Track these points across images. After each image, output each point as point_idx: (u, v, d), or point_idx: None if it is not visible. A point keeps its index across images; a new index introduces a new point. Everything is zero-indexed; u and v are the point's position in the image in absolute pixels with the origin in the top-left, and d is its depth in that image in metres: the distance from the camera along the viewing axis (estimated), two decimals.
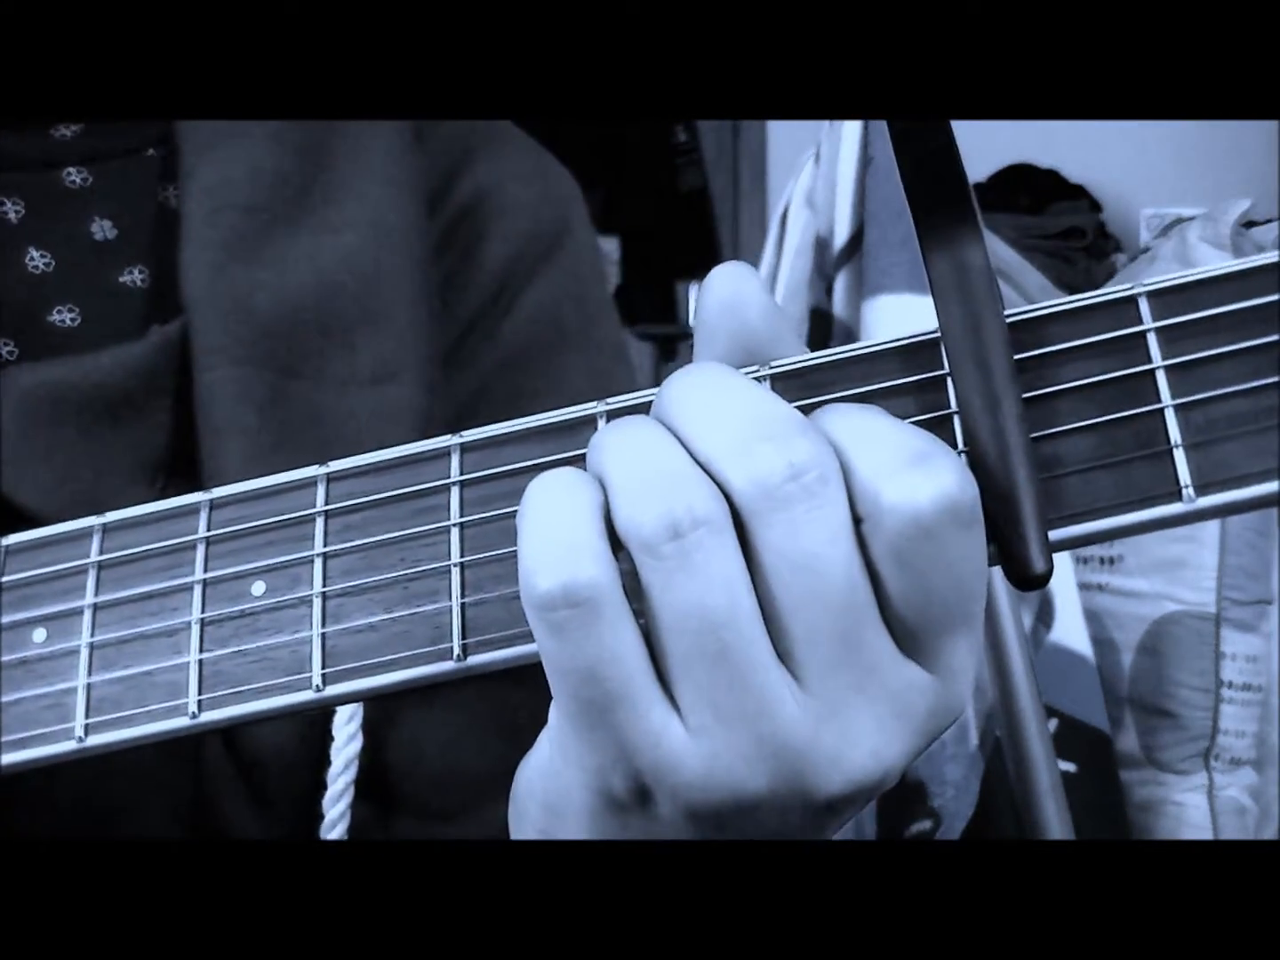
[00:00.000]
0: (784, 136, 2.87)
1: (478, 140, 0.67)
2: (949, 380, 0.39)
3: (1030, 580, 0.37)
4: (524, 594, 0.37)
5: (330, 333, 0.58)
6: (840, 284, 1.52)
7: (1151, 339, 0.38)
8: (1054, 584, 1.49)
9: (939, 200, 0.39)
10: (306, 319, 0.58)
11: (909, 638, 0.38)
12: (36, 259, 0.58)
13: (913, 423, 0.39)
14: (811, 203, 1.62)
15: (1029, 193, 2.64)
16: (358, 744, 0.55)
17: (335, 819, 0.55)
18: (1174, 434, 0.37)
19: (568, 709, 0.38)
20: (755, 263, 1.79)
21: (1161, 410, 0.38)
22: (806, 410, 0.39)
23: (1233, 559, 1.67)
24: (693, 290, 2.80)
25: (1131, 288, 0.39)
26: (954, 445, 0.39)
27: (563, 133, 0.72)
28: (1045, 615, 1.51)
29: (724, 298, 0.40)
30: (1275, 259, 0.38)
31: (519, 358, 0.64)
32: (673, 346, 3.07)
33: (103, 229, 0.59)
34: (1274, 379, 0.37)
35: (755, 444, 0.37)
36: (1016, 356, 0.39)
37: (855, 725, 0.38)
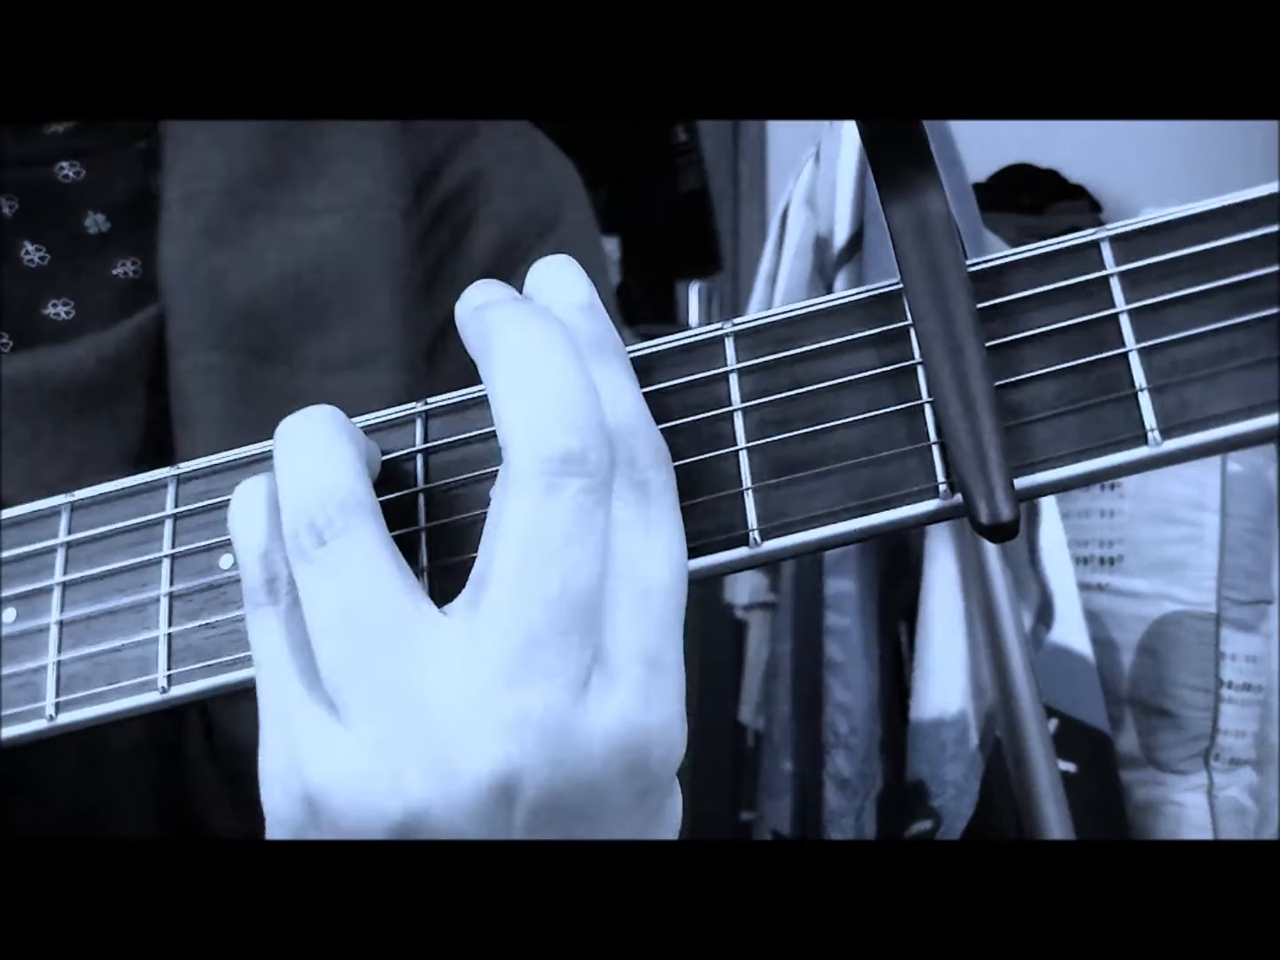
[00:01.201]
0: (784, 136, 2.86)
1: (468, 123, 0.66)
2: (912, 331, 0.39)
3: (997, 529, 0.37)
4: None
5: (307, 317, 0.58)
6: (840, 284, 1.51)
7: (1114, 284, 0.38)
8: (1054, 584, 1.49)
9: (896, 150, 0.39)
10: (281, 303, 0.58)
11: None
12: (32, 253, 0.58)
13: (876, 375, 0.39)
14: (811, 203, 1.62)
15: (1029, 193, 2.63)
16: None
17: None
18: (1138, 378, 0.37)
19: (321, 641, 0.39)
20: (755, 262, 1.79)
21: (1125, 354, 0.38)
22: (763, 372, 0.39)
23: (1233, 559, 1.66)
24: (693, 290, 2.79)
25: (1094, 233, 0.39)
26: (918, 396, 0.39)
27: (563, 132, 0.72)
28: (1045, 615, 1.51)
29: None
30: (1235, 200, 0.38)
31: None
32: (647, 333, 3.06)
33: (96, 222, 0.59)
34: (1237, 319, 0.37)
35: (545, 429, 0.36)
36: (979, 305, 0.38)
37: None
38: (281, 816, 0.38)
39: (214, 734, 0.55)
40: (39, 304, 0.58)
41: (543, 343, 0.37)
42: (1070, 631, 1.52)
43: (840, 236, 1.52)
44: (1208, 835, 1.66)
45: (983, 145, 1.80)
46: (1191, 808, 1.67)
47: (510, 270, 0.64)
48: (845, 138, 1.52)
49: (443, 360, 0.61)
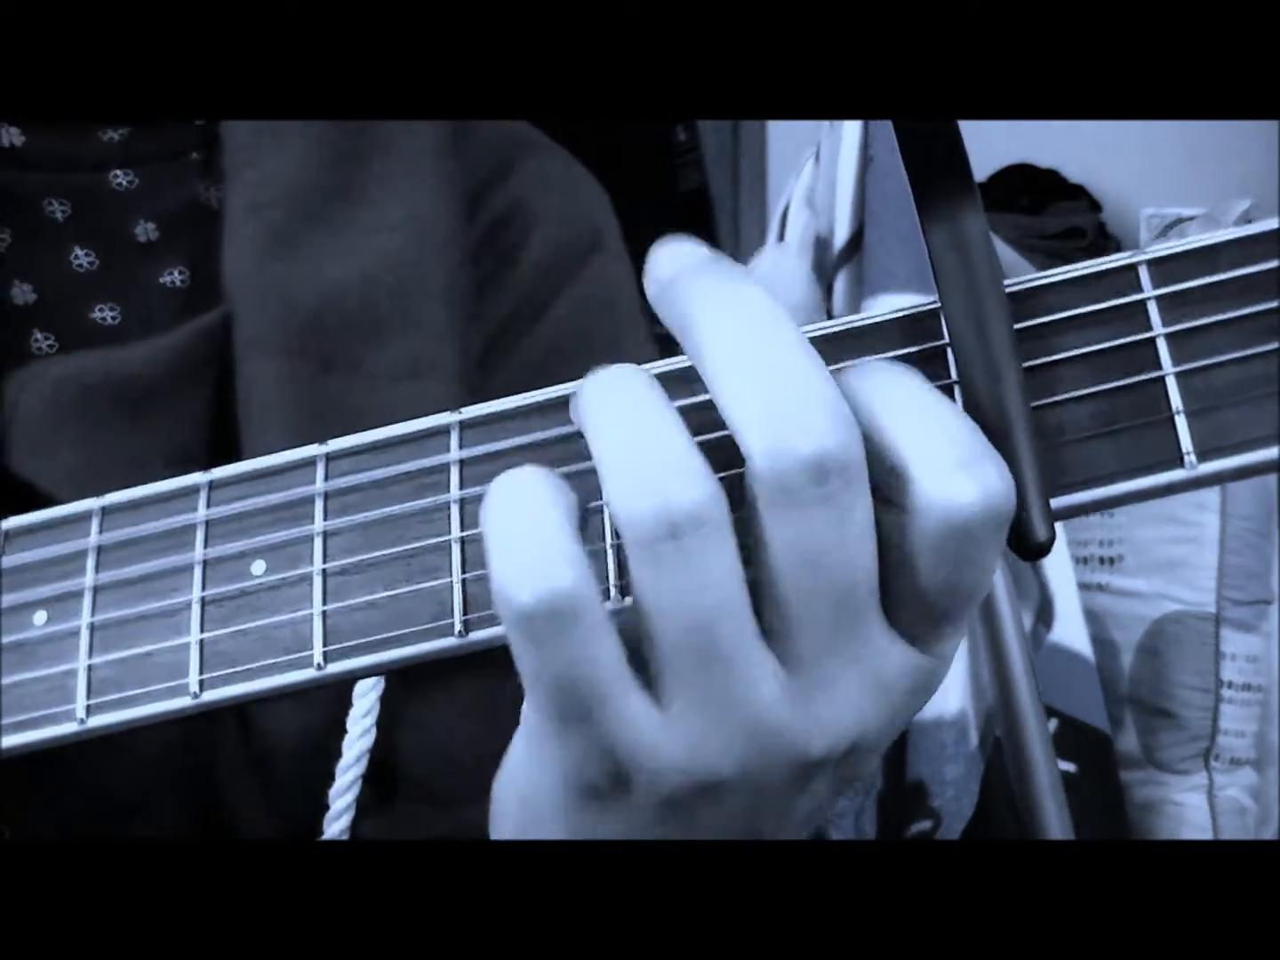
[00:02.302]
0: (784, 136, 2.86)
1: (513, 149, 0.68)
2: (949, 351, 0.39)
3: (1033, 549, 0.37)
4: (499, 607, 0.36)
5: (367, 329, 0.59)
6: (840, 284, 1.52)
7: (1152, 306, 0.38)
8: (1054, 584, 1.49)
9: (937, 170, 0.39)
10: (345, 314, 0.59)
11: (915, 623, 0.38)
12: (81, 257, 0.59)
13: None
14: (811, 203, 1.62)
15: (1029, 193, 2.63)
16: (370, 738, 0.55)
17: (340, 810, 0.55)
18: (1175, 401, 0.38)
19: (544, 710, 0.38)
20: None
21: (1162, 378, 0.38)
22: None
23: (1233, 559, 1.66)
24: None
25: (1132, 255, 0.39)
26: None
27: (563, 132, 0.73)
28: (1045, 615, 1.51)
29: (764, 277, 0.40)
30: (1275, 225, 0.38)
31: (546, 365, 0.65)
32: (673, 346, 3.07)
33: (146, 230, 0.60)
34: (1274, 345, 0.37)
35: (786, 428, 0.35)
36: (1016, 326, 0.38)
37: (838, 697, 0.38)
38: (593, 785, 0.38)
39: (250, 733, 0.55)
40: (86, 308, 0.59)
41: (759, 321, 0.36)
42: (1070, 631, 1.52)
43: (840, 236, 1.52)
44: (1208, 835, 1.66)
45: (983, 145, 1.79)
46: (1191, 808, 1.67)
47: (548, 295, 0.66)
48: (845, 138, 1.52)
49: (483, 378, 0.62)
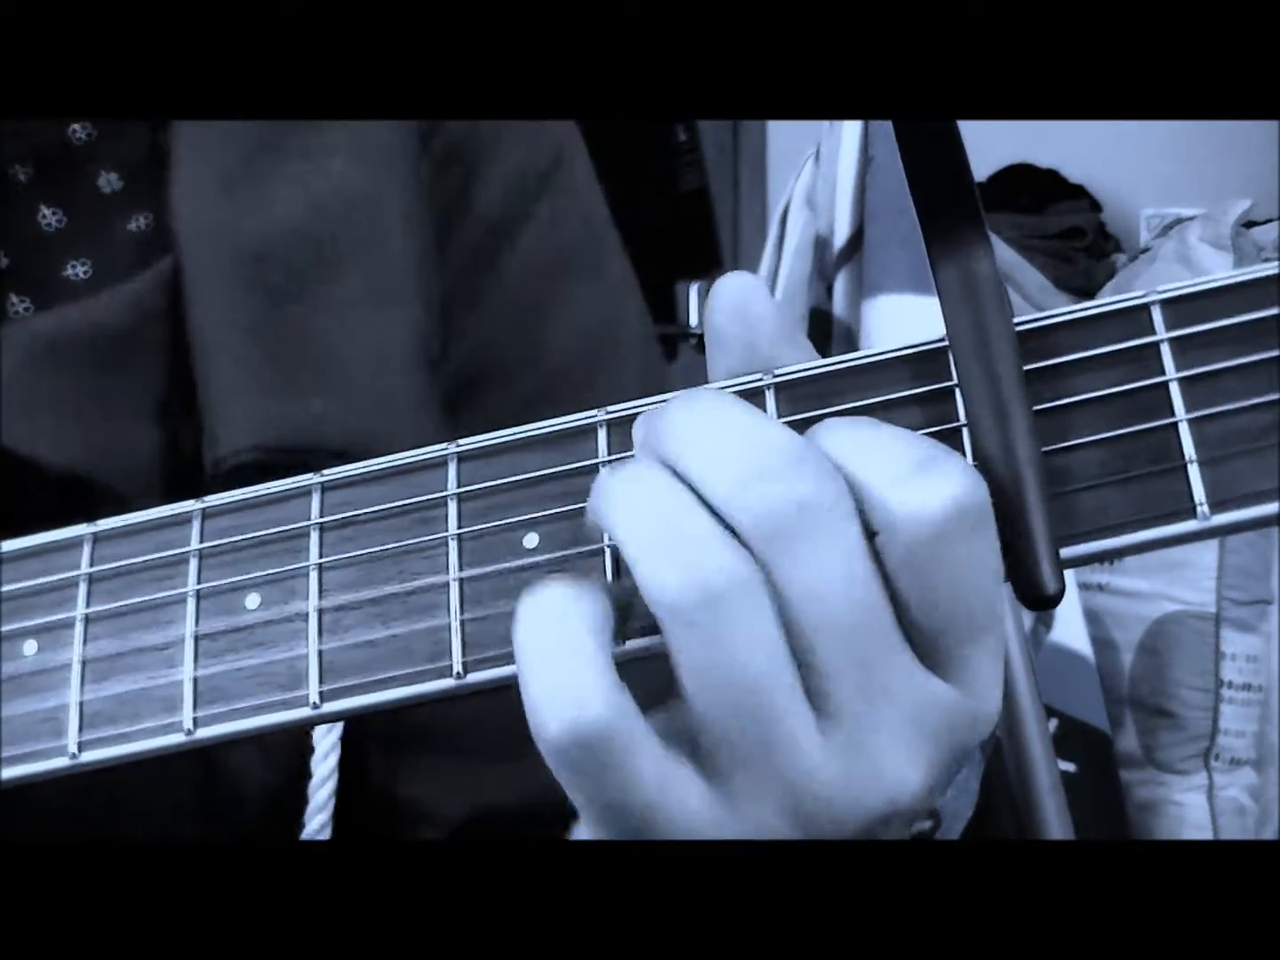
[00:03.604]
0: (784, 136, 2.87)
1: None
2: (957, 391, 0.38)
3: (1041, 600, 0.37)
4: (536, 737, 0.37)
5: (323, 257, 0.58)
6: (840, 284, 1.52)
7: (1165, 350, 0.37)
8: None
9: (946, 206, 0.39)
10: (296, 243, 0.58)
11: (930, 649, 0.37)
12: (49, 216, 0.59)
13: (922, 434, 0.38)
14: (811, 202, 1.62)
15: (1029, 193, 2.63)
16: (336, 755, 0.55)
17: (316, 831, 0.55)
18: (1188, 449, 0.37)
19: (605, 830, 0.38)
20: (755, 262, 1.79)
21: (1175, 424, 0.37)
22: (804, 426, 0.38)
23: (1233, 559, 1.67)
24: (693, 290, 2.79)
25: (1145, 295, 0.38)
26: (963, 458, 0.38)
27: None
28: (1045, 615, 1.51)
29: (734, 304, 0.40)
30: None
31: (528, 290, 0.64)
32: (673, 346, 3.06)
33: (109, 181, 0.59)
34: None
35: (759, 483, 0.36)
36: (1026, 367, 0.38)
37: (879, 752, 0.37)
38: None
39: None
40: (58, 266, 0.58)
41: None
42: (1070, 631, 1.52)
43: (840, 236, 1.52)
44: (1208, 835, 1.66)
45: (983, 145, 1.80)
46: (1191, 808, 1.67)
47: (518, 216, 0.64)
48: (845, 138, 1.52)
49: (464, 312, 0.62)
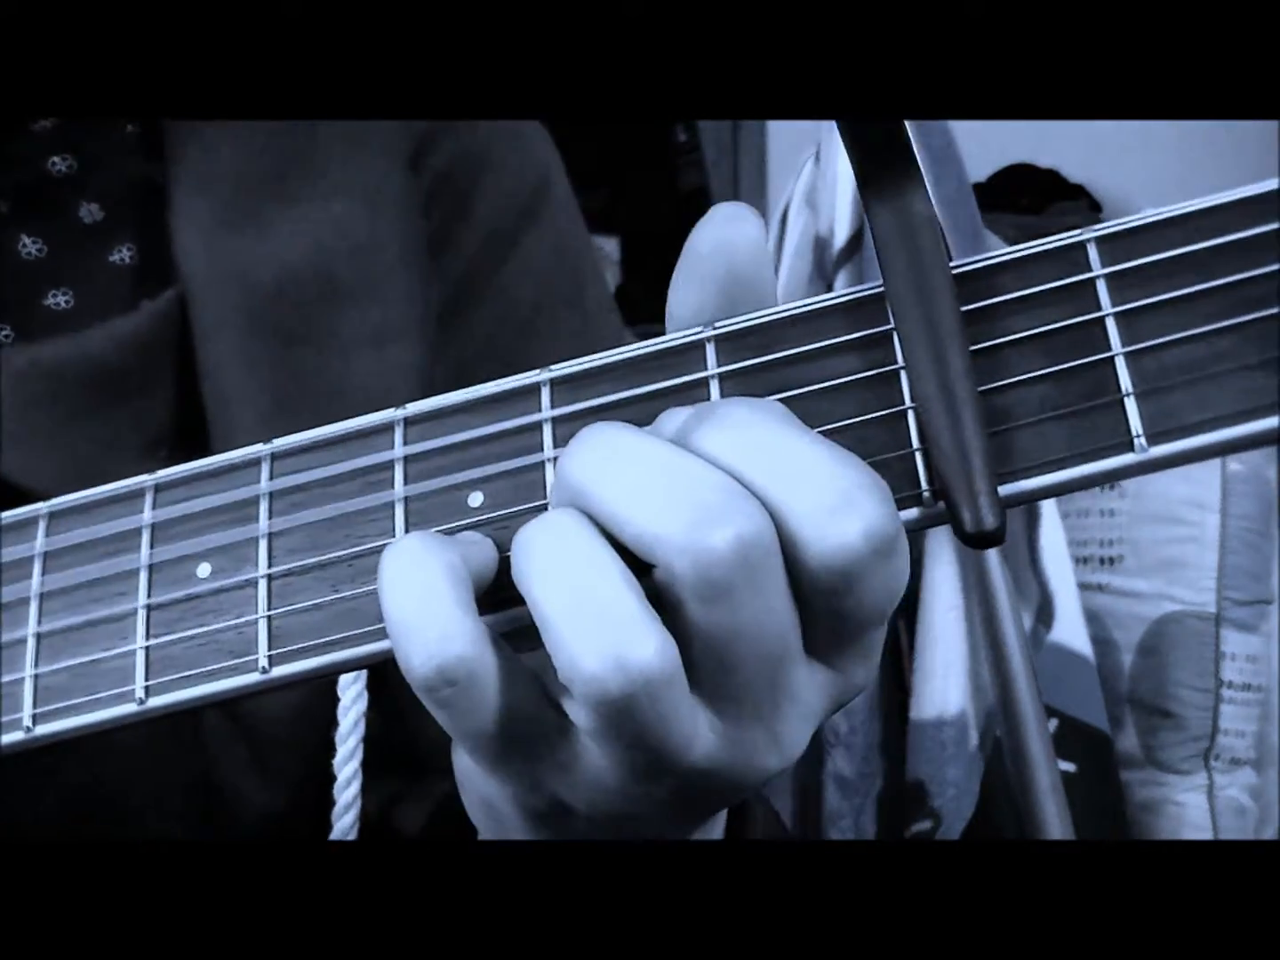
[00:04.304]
0: (784, 136, 2.86)
1: None
2: (895, 335, 0.38)
3: (981, 538, 0.36)
4: (404, 674, 0.37)
5: (329, 298, 0.59)
6: (840, 284, 1.52)
7: (1101, 285, 0.37)
8: (1054, 584, 1.49)
9: (880, 153, 0.39)
10: (305, 286, 0.59)
11: (829, 652, 0.38)
12: (29, 245, 0.59)
13: (858, 380, 0.38)
14: (811, 202, 1.62)
15: (1029, 193, 2.63)
16: (364, 703, 0.55)
17: (349, 777, 0.55)
18: (1124, 382, 0.37)
19: (472, 754, 0.39)
20: None
21: (1112, 358, 0.37)
22: (744, 378, 0.38)
23: (1233, 559, 1.66)
24: None
25: (1081, 233, 0.38)
26: (901, 401, 0.38)
27: (563, 133, 0.73)
28: (1045, 615, 1.51)
29: (719, 236, 0.40)
30: (1226, 199, 0.37)
31: (513, 315, 0.65)
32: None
33: (90, 212, 0.59)
34: (1228, 322, 0.36)
35: (701, 530, 0.35)
36: (963, 308, 0.38)
37: (766, 739, 0.38)
38: (537, 811, 0.40)
39: (237, 706, 0.55)
40: (39, 295, 0.59)
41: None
42: (1070, 631, 1.52)
43: (840, 236, 1.52)
44: (1208, 835, 1.65)
45: (983, 145, 1.79)
46: (1191, 808, 1.67)
47: (506, 243, 0.65)
48: None
49: (451, 334, 0.62)
